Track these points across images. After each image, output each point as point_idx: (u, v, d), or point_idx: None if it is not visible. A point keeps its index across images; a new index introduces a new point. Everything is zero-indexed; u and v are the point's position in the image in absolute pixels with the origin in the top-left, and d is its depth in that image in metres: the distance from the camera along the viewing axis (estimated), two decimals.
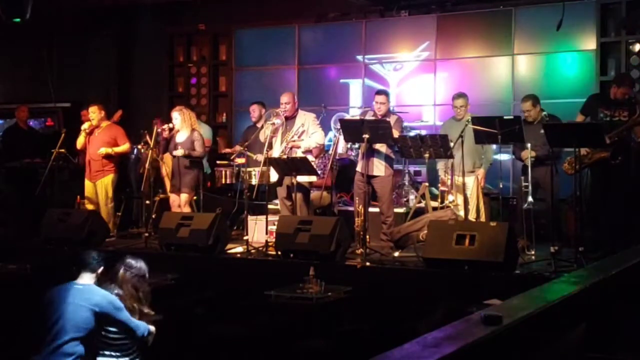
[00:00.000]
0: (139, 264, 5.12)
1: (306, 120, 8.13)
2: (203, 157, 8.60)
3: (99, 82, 11.94)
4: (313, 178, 8.08)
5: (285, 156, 7.94)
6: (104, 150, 8.91)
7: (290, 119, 8.16)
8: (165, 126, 8.51)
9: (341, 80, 10.72)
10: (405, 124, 8.86)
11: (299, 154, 7.94)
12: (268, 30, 11.30)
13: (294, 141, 8.05)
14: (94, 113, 9.03)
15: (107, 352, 4.79)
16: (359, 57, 10.56)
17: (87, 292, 4.75)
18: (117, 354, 4.82)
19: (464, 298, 5.82)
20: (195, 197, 8.78)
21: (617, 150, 7.20)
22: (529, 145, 7.24)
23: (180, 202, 8.51)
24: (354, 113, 9.99)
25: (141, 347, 4.96)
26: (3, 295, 7.06)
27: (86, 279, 4.84)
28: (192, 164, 8.48)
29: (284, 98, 8.19)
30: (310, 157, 7.92)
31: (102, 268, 4.95)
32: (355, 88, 10.64)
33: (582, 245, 6.62)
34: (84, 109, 9.46)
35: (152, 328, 4.94)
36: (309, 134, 8.08)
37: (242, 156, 8.91)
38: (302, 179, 7.93)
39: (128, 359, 4.86)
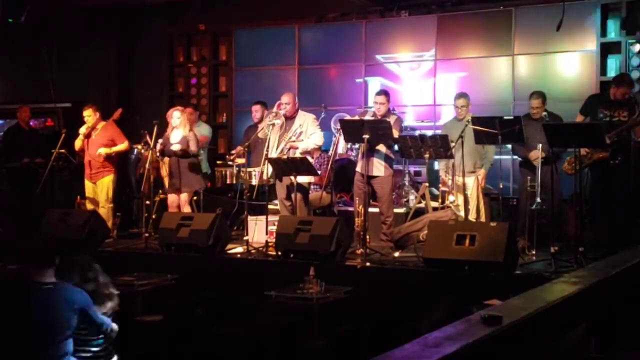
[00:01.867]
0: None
1: (305, 120, 8.13)
2: (196, 154, 8.60)
3: (99, 82, 11.93)
4: (312, 178, 8.08)
5: (285, 156, 7.94)
6: (103, 150, 8.92)
7: (289, 119, 8.16)
8: (159, 144, 8.56)
9: (357, 80, 10.66)
10: (409, 123, 8.86)
11: (297, 154, 7.94)
12: (268, 30, 11.30)
13: (292, 142, 8.06)
14: (89, 116, 9.05)
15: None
16: (379, 57, 10.52)
17: (61, 291, 4.68)
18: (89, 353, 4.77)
19: (464, 298, 5.82)
20: (195, 197, 8.78)
21: (617, 151, 7.20)
22: (539, 145, 7.22)
23: (179, 202, 8.52)
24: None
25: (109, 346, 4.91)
26: (3, 296, 7.04)
27: (50, 276, 4.69)
28: (189, 163, 8.49)
29: (285, 98, 8.20)
30: (308, 158, 7.92)
31: (57, 259, 4.87)
32: (367, 87, 10.57)
33: (582, 245, 6.62)
34: (84, 109, 9.46)
35: (115, 326, 4.90)
36: (307, 135, 8.07)
37: (243, 156, 8.91)
38: (302, 179, 7.93)
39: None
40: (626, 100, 7.39)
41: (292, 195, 8.01)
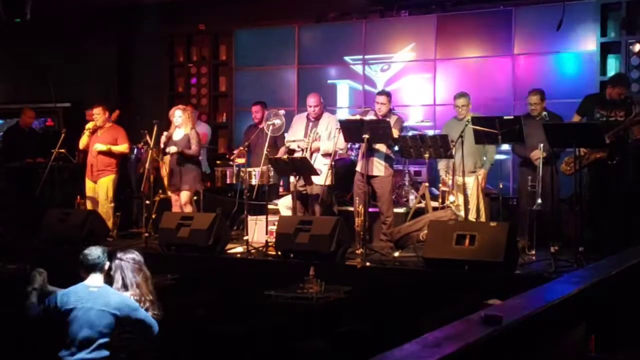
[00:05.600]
0: (130, 255, 5.09)
1: (329, 123, 8.10)
2: (197, 156, 8.61)
3: (99, 82, 11.94)
4: (319, 180, 7.98)
5: (286, 157, 7.94)
6: (100, 146, 8.93)
7: (316, 119, 8.14)
8: (164, 137, 8.55)
9: (328, 81, 10.72)
10: (405, 124, 8.85)
11: (319, 155, 7.94)
12: (268, 30, 11.30)
13: (313, 143, 8.01)
14: (98, 114, 9.08)
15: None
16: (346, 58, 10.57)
17: (104, 296, 4.69)
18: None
19: (463, 298, 5.82)
20: (195, 197, 8.78)
21: (614, 151, 7.18)
22: (541, 145, 7.22)
23: (180, 201, 8.52)
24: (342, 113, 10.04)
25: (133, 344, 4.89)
26: (3, 296, 7.05)
27: (97, 280, 4.76)
28: (189, 162, 8.50)
29: (312, 100, 8.12)
30: (327, 160, 7.88)
31: (107, 264, 4.89)
32: (343, 88, 10.65)
33: (582, 245, 6.62)
34: (89, 109, 9.47)
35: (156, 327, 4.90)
36: (330, 138, 8.02)
37: (243, 156, 8.92)
38: (315, 181, 7.90)
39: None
40: (622, 100, 7.39)
41: (310, 203, 8.03)
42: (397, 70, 10.37)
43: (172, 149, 8.43)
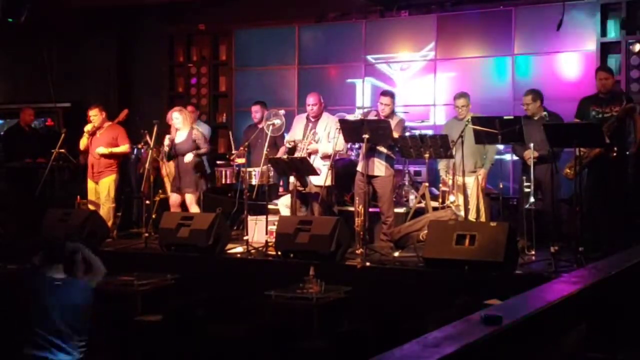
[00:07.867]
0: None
1: (328, 124, 8.08)
2: (209, 152, 8.63)
3: (99, 82, 11.93)
4: (319, 180, 7.98)
5: (286, 156, 7.94)
6: (101, 150, 8.93)
7: (315, 119, 8.13)
8: (167, 140, 8.54)
9: (347, 80, 10.70)
10: (406, 124, 8.85)
11: (318, 157, 7.93)
12: (268, 30, 11.30)
13: (310, 144, 7.99)
14: (95, 116, 9.06)
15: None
16: (369, 57, 10.56)
17: (73, 289, 4.65)
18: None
19: (463, 298, 5.81)
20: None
21: (611, 144, 7.15)
22: (531, 145, 7.24)
23: (180, 202, 8.52)
24: (359, 113, 10.03)
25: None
26: (3, 296, 7.04)
27: (61, 272, 4.65)
28: (194, 163, 8.49)
29: (311, 99, 8.12)
30: (326, 161, 7.87)
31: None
32: (361, 88, 10.63)
33: (582, 245, 6.62)
34: (90, 109, 9.47)
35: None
36: (329, 139, 8.01)
37: (243, 156, 8.92)
38: (315, 181, 7.89)
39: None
40: (614, 94, 7.38)
41: (311, 204, 8.02)
42: (417, 69, 10.33)
43: (189, 156, 8.38)
